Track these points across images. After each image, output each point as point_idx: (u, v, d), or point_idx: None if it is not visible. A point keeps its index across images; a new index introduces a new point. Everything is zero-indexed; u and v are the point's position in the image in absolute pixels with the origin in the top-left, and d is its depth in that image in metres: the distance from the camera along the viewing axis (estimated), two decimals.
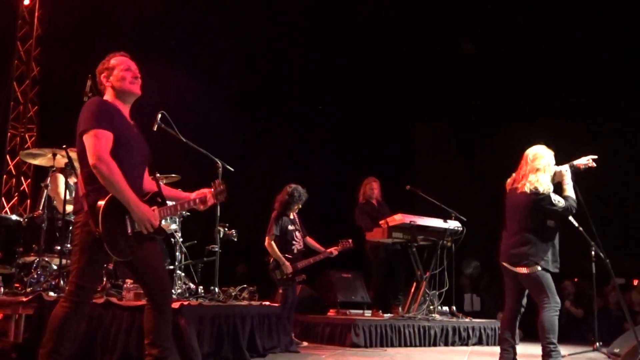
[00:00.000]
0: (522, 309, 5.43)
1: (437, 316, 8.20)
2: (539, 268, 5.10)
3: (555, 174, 5.31)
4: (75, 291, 3.60)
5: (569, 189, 5.26)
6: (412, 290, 8.38)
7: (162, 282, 3.79)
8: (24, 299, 5.04)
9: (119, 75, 3.79)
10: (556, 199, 5.15)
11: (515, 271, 5.21)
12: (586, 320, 10.23)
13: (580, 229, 5.88)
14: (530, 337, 7.05)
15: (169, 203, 3.96)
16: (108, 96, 3.82)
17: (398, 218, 8.10)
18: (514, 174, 5.44)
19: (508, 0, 11.35)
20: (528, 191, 5.17)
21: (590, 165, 5.40)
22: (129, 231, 3.59)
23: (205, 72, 11.14)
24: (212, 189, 4.15)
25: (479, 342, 8.31)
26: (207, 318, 5.22)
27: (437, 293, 8.36)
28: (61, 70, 9.83)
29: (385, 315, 8.26)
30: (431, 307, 8.24)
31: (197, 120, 9.37)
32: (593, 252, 7.29)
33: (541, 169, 5.23)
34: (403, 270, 8.70)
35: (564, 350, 5.82)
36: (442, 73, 12.63)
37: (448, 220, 8.39)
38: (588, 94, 12.27)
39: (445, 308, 8.61)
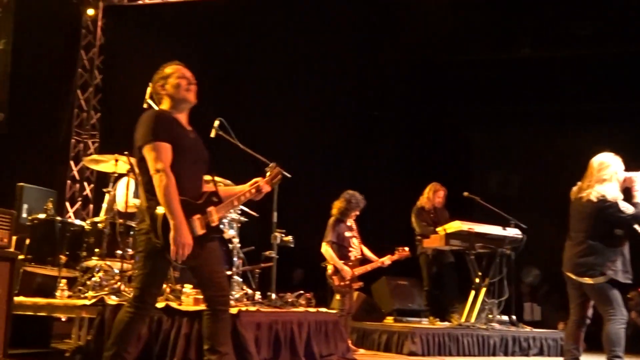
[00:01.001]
0: (588, 321, 5.26)
1: (496, 325, 8.02)
2: (605, 279, 4.94)
3: (625, 180, 5.13)
4: (139, 297, 3.68)
5: None
6: (470, 298, 8.23)
7: (221, 288, 3.82)
8: (87, 303, 5.16)
9: (174, 82, 3.82)
10: (624, 206, 4.97)
11: (580, 281, 5.06)
12: None
13: None
14: (593, 348, 6.84)
15: None
16: (164, 105, 3.87)
17: (456, 225, 7.98)
18: (579, 183, 5.26)
19: (569, 3, 11.09)
20: (595, 199, 5.01)
21: None
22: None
23: (260, 79, 11.23)
24: (267, 176, 4.17)
25: (540, 353, 8.07)
26: (265, 324, 5.24)
27: (497, 302, 8.19)
28: (123, 78, 10.07)
29: (442, 324, 8.15)
30: (490, 315, 8.08)
31: (256, 127, 9.44)
32: None
33: (608, 179, 5.05)
34: (455, 285, 8.59)
35: None
36: (500, 79, 12.38)
37: (507, 228, 8.20)
38: None
39: (505, 317, 8.42)
